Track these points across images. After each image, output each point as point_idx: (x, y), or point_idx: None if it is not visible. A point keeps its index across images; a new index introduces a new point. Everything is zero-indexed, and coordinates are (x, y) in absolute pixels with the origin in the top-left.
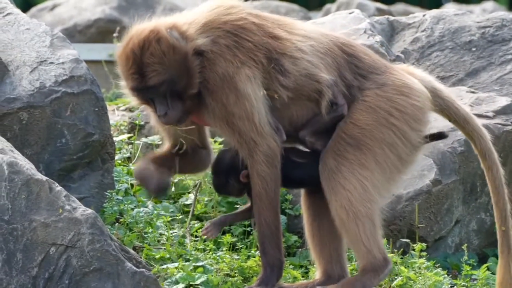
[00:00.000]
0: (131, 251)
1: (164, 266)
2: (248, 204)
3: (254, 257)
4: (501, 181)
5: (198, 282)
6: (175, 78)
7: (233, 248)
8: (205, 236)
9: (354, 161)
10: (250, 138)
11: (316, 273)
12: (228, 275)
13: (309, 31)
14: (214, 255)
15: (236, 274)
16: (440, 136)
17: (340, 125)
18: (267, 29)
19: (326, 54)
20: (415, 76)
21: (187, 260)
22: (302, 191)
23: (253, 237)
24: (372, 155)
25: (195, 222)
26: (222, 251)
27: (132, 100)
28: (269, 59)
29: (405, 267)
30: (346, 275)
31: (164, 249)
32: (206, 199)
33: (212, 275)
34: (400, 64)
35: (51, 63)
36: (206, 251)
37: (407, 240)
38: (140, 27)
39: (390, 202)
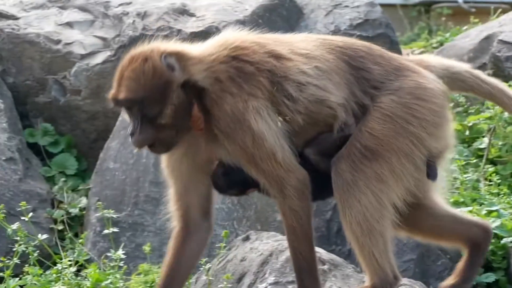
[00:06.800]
0: None
1: None
2: None
3: None
4: None
5: (492, 226)
6: (146, 101)
7: None
8: None
9: (371, 174)
10: (277, 176)
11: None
12: None
13: (312, 49)
14: (508, 199)
15: None
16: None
17: (355, 133)
18: (268, 46)
19: (333, 73)
20: (429, 66)
21: (481, 204)
22: None
23: None
24: (389, 166)
25: (489, 166)
26: None
27: None
28: (272, 82)
29: None
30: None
31: (458, 193)
32: (500, 143)
33: (506, 220)
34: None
35: (346, 6)
36: (500, 196)
37: None
38: (150, 45)
39: None
